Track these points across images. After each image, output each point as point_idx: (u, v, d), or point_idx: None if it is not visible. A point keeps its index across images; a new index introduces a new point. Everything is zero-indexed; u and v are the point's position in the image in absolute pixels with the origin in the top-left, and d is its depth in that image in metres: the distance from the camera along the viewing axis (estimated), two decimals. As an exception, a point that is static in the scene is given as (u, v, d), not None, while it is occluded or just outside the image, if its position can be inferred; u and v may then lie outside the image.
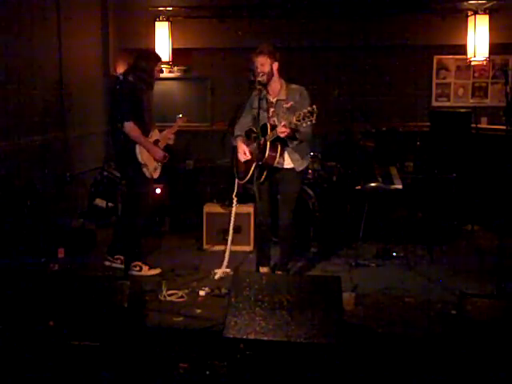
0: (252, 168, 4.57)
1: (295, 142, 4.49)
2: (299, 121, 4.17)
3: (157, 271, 5.03)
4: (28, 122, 5.50)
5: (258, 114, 4.31)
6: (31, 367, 3.35)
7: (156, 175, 5.01)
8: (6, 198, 4.85)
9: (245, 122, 4.73)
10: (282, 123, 4.32)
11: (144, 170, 4.87)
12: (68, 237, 5.63)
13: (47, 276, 4.51)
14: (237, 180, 4.85)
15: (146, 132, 4.87)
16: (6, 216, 4.78)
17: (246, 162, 4.64)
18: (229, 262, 5.38)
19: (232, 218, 5.05)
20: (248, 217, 5.68)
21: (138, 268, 5.00)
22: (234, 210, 5.01)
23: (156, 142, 4.96)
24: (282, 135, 4.33)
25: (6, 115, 5.13)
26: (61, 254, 5.40)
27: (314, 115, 4.12)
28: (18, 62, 5.32)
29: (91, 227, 6.00)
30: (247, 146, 4.63)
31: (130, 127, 4.72)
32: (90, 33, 6.99)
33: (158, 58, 5.04)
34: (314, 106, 4.13)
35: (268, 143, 4.35)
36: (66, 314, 3.56)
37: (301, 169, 4.68)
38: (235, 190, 4.93)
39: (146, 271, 5.01)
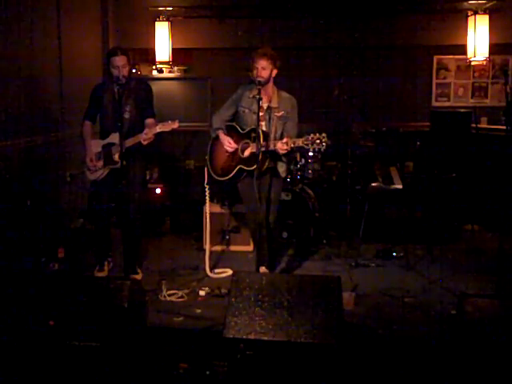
0: (236, 168, 4.58)
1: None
2: (307, 144, 4.16)
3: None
4: (28, 122, 5.49)
5: (258, 117, 4.29)
6: (31, 367, 3.35)
7: (91, 177, 4.91)
8: (6, 197, 4.85)
9: (225, 115, 4.70)
10: (284, 140, 4.31)
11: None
12: (68, 237, 5.63)
13: (47, 276, 4.51)
14: (206, 168, 4.83)
15: (103, 132, 4.87)
16: (6, 216, 4.77)
17: (228, 160, 4.63)
18: (229, 262, 5.41)
19: (207, 207, 5.10)
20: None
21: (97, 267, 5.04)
22: (207, 196, 5.08)
23: (109, 146, 4.79)
24: (281, 151, 4.34)
25: (6, 115, 5.13)
26: (61, 253, 5.40)
27: (325, 145, 4.11)
28: (18, 61, 5.31)
29: (91, 227, 6.00)
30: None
31: (82, 126, 4.95)
32: (90, 33, 6.99)
33: (110, 53, 4.78)
34: (324, 135, 4.12)
35: (261, 153, 4.28)
36: (66, 313, 3.56)
37: (284, 175, 4.73)
38: (206, 179, 4.93)
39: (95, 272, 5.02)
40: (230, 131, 4.65)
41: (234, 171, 4.59)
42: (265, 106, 4.51)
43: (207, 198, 5.08)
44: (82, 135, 4.95)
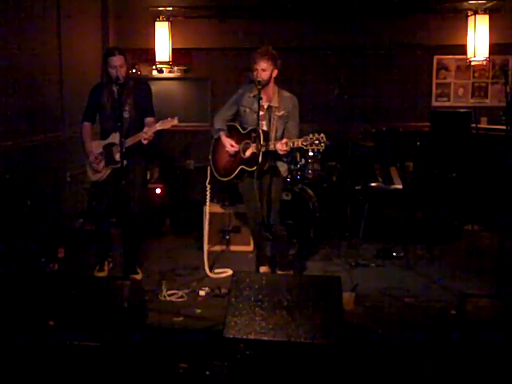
0: (238, 169, 4.58)
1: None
2: (306, 145, 4.15)
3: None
4: (28, 122, 5.49)
5: (258, 116, 4.29)
6: (31, 367, 3.35)
7: (94, 178, 4.90)
8: (6, 197, 4.84)
9: (226, 115, 4.69)
10: (284, 140, 4.30)
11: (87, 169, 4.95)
12: (68, 237, 5.62)
13: (47, 276, 4.51)
14: (209, 168, 4.83)
15: (104, 133, 4.86)
16: (5, 216, 4.77)
17: (230, 160, 4.63)
18: (229, 262, 5.40)
19: (207, 207, 5.10)
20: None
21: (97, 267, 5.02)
22: (208, 196, 5.09)
23: (110, 146, 4.78)
24: (280, 152, 4.34)
25: (6, 115, 5.13)
26: (61, 253, 5.40)
27: (323, 145, 4.11)
28: (18, 62, 5.31)
29: (91, 227, 6.00)
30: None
31: (81, 127, 4.92)
32: (90, 33, 6.99)
33: (108, 53, 4.75)
34: (323, 135, 4.11)
35: (261, 153, 4.27)
36: (66, 313, 3.56)
37: (285, 175, 4.74)
38: (208, 178, 4.95)
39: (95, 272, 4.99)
40: (231, 131, 4.64)
41: (236, 171, 4.59)
42: (265, 105, 4.50)
43: (208, 197, 5.08)
44: (81, 136, 4.94)
